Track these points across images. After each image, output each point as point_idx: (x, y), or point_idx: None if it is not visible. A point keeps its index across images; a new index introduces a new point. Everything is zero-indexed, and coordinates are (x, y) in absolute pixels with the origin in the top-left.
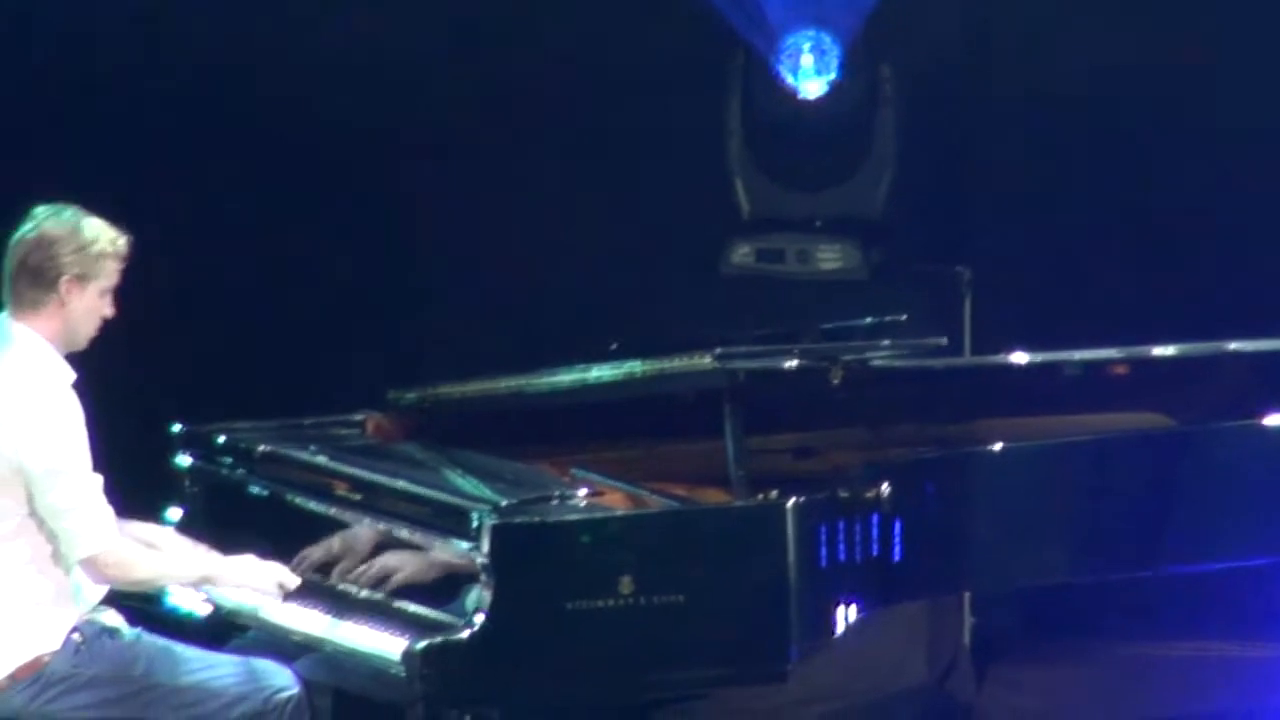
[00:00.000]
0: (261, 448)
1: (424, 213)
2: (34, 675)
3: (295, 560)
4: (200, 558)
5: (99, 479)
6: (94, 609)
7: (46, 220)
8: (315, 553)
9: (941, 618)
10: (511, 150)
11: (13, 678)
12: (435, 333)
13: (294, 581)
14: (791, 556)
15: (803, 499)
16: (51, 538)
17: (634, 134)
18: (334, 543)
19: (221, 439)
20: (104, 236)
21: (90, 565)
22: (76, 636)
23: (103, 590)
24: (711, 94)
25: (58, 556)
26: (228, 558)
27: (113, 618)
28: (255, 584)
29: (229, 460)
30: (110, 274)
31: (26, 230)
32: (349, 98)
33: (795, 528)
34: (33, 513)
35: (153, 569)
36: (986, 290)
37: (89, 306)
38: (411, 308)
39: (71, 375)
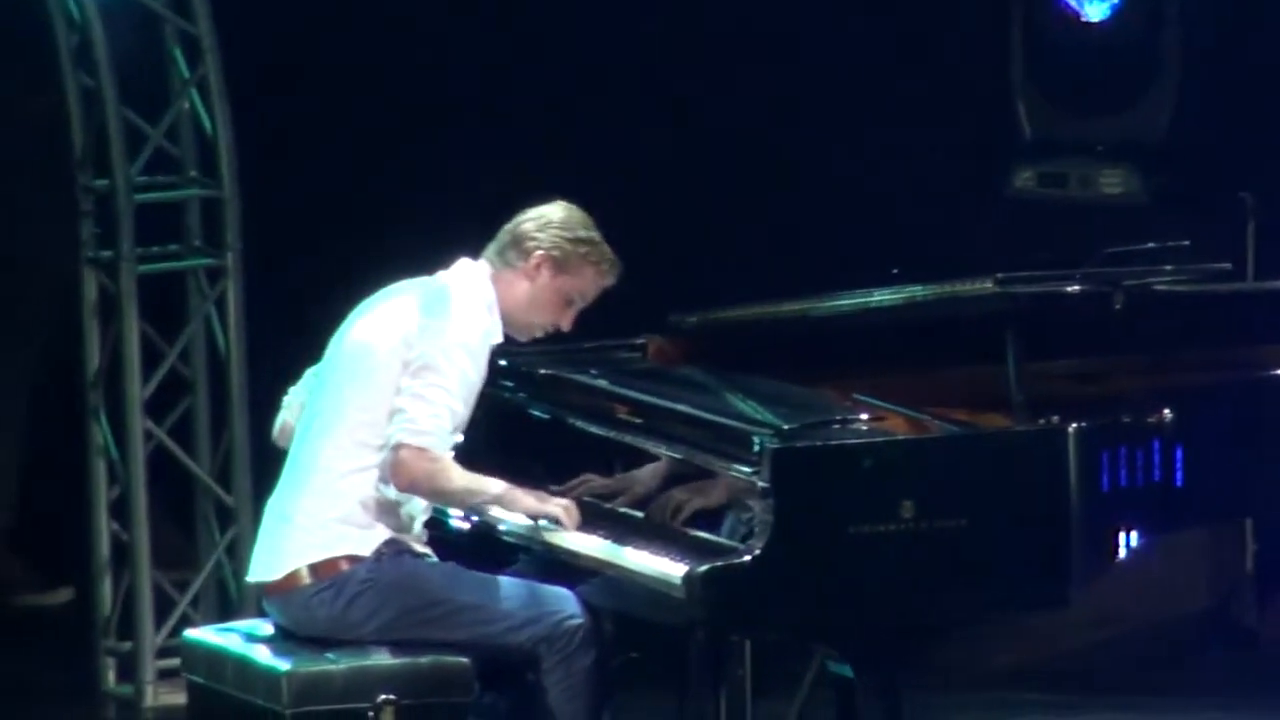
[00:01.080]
0: (542, 371)
1: (712, 138)
2: (332, 578)
3: (576, 482)
4: (494, 481)
5: (463, 413)
6: (411, 534)
7: (559, 207)
8: (597, 481)
9: (1223, 544)
10: (796, 79)
11: (314, 572)
12: (718, 256)
13: (576, 519)
14: (1073, 481)
15: (1084, 424)
16: None
17: (917, 59)
18: (617, 474)
19: (503, 362)
20: (598, 247)
21: (401, 455)
22: (384, 550)
23: (423, 519)
24: (995, 17)
25: None
26: (521, 488)
27: (424, 547)
28: (542, 513)
29: (510, 384)
30: (583, 283)
31: (541, 206)
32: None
33: (1077, 452)
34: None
35: (464, 482)
36: (1271, 215)
37: (549, 297)
38: (695, 232)
39: (498, 336)
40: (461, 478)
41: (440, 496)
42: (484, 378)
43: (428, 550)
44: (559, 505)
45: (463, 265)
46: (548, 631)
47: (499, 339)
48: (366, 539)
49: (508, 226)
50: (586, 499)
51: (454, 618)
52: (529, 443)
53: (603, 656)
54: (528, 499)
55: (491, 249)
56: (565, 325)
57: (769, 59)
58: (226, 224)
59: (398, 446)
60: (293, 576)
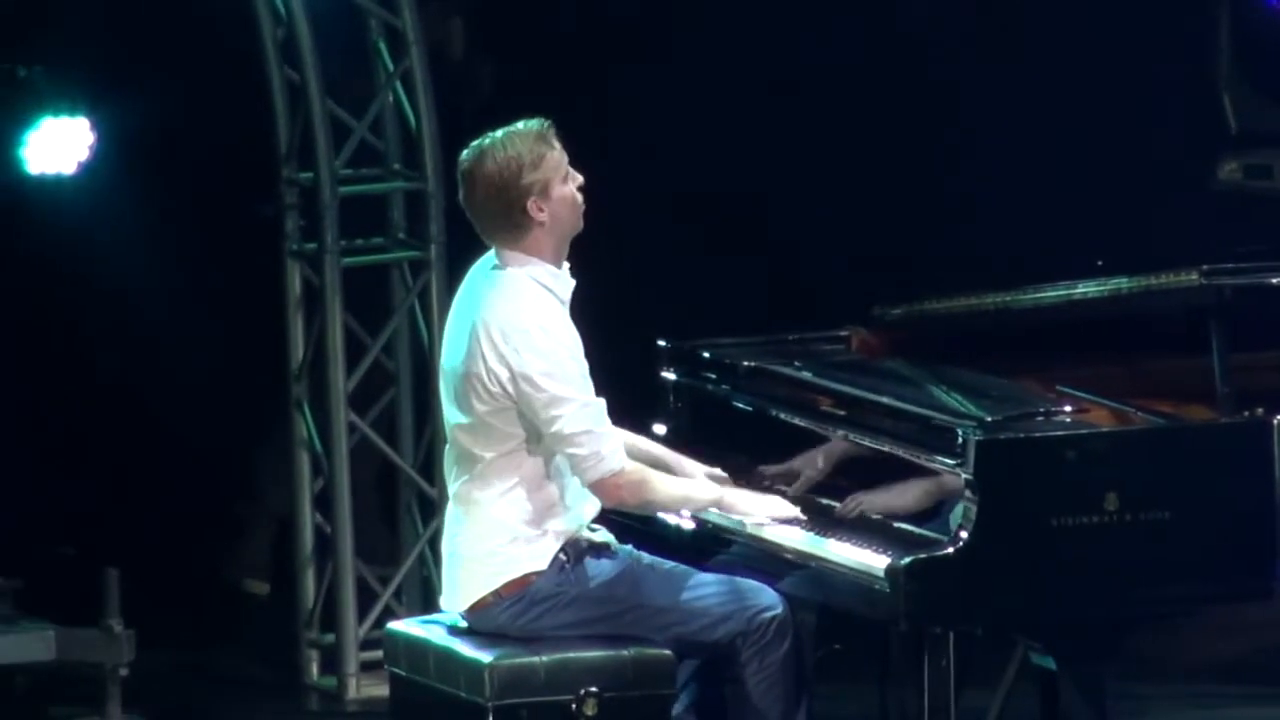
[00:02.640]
0: (746, 363)
1: (927, 131)
2: (519, 594)
3: (786, 478)
4: (708, 484)
5: (602, 403)
6: (585, 527)
7: (479, 156)
8: (809, 473)
9: None
10: (1015, 70)
11: (498, 594)
12: (923, 248)
13: (794, 513)
14: (1278, 473)
15: None
16: (548, 457)
17: (1124, 49)
18: (820, 463)
19: (707, 354)
20: (533, 136)
21: (602, 488)
22: (563, 556)
23: (595, 508)
24: (1201, 9)
25: (552, 475)
26: (734, 488)
27: (602, 535)
28: (760, 516)
29: (714, 375)
30: (560, 163)
31: (462, 169)
32: None
33: None
34: (529, 436)
35: (668, 492)
36: None
37: (566, 207)
38: (902, 225)
39: (563, 307)
40: (667, 485)
41: (650, 507)
42: (577, 339)
43: (609, 539)
44: (779, 506)
45: (493, 259)
46: (743, 626)
47: (568, 281)
48: (540, 550)
49: (475, 204)
50: (807, 496)
51: (648, 621)
52: (731, 434)
53: (799, 647)
54: (748, 501)
55: (497, 231)
56: (580, 185)
57: (989, 46)
58: (430, 216)
59: (595, 484)
60: (480, 602)
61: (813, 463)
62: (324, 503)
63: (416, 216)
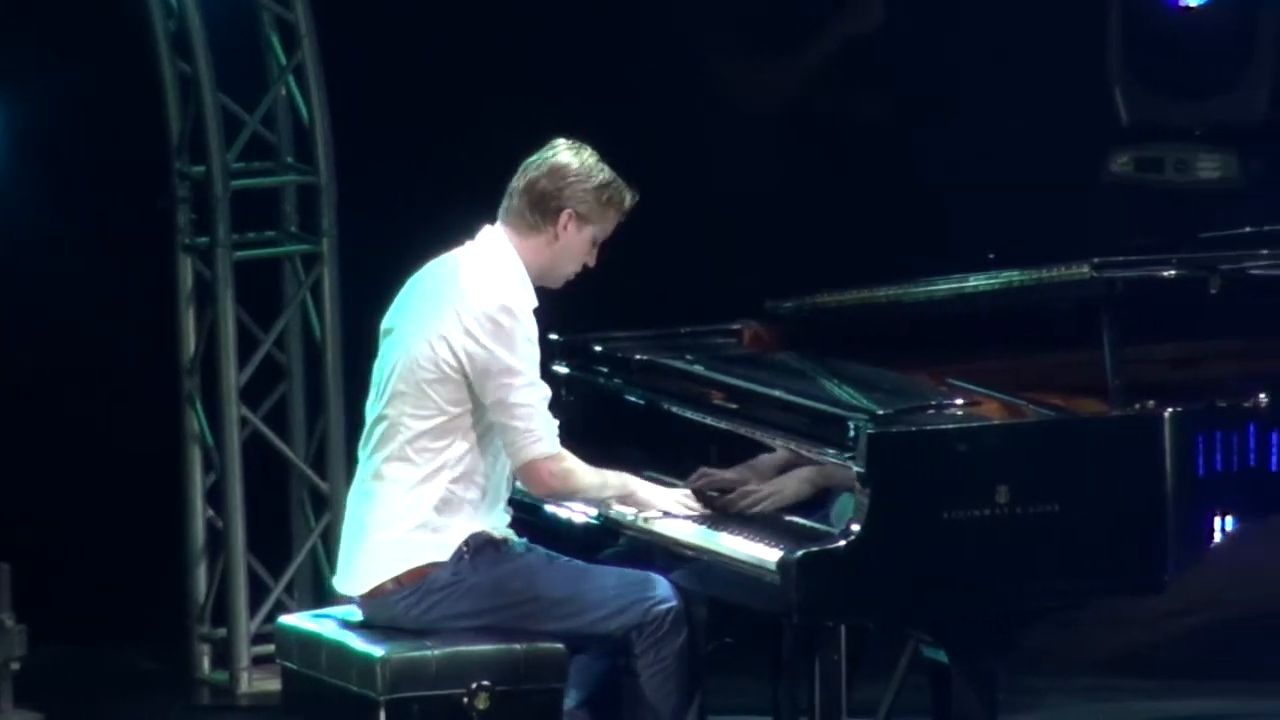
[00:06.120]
0: (638, 357)
1: (812, 127)
2: (417, 584)
3: (696, 475)
4: (619, 476)
5: (549, 391)
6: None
7: (565, 152)
8: (717, 474)
9: None
10: (900, 66)
11: (398, 581)
12: (813, 242)
13: (698, 507)
14: (1168, 466)
15: (1180, 408)
16: (476, 450)
17: (1013, 42)
18: (712, 458)
19: (598, 348)
20: (614, 186)
21: (534, 469)
22: (464, 547)
23: (508, 516)
24: (1092, 2)
25: (475, 471)
26: (640, 479)
27: (502, 529)
28: (665, 506)
29: (605, 369)
30: (608, 224)
31: (544, 155)
32: None
33: (1172, 437)
34: (457, 418)
35: (591, 480)
36: None
37: (578, 248)
38: (792, 218)
39: (534, 301)
40: (590, 475)
41: (574, 496)
42: (536, 332)
43: (509, 533)
44: (683, 499)
45: (488, 238)
46: (638, 619)
47: (534, 299)
48: (445, 542)
49: (520, 185)
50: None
51: (542, 614)
52: (625, 429)
53: (694, 640)
54: (653, 493)
55: (511, 213)
56: (591, 263)
57: (879, 45)
58: (322, 210)
59: (527, 464)
60: (378, 589)
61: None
62: (215, 497)
63: (309, 210)
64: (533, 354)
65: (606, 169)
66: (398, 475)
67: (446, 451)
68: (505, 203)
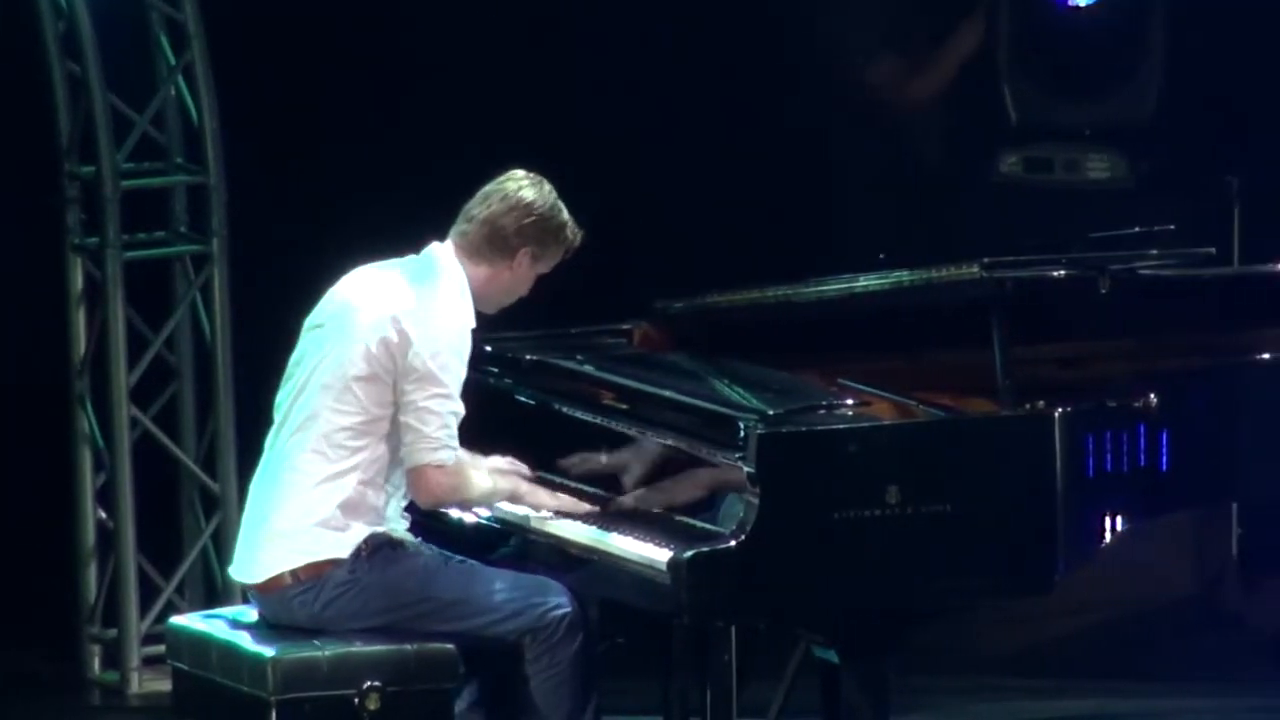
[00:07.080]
0: (529, 357)
1: (697, 121)
2: (314, 580)
3: (567, 467)
4: (504, 478)
5: (463, 410)
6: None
7: (528, 189)
8: (588, 464)
9: (1208, 528)
10: (782, 62)
11: (295, 575)
12: (703, 242)
13: (585, 508)
14: (1059, 466)
15: (1070, 408)
16: (389, 459)
17: (902, 43)
18: (603, 458)
19: (489, 348)
20: (570, 228)
21: (424, 475)
22: (362, 546)
23: (405, 523)
24: (981, 1)
25: (384, 479)
26: (527, 482)
27: (400, 531)
28: (555, 506)
29: (496, 369)
30: (555, 259)
31: (507, 188)
32: None
33: (1062, 437)
34: (378, 420)
35: (480, 490)
36: (1255, 199)
37: (525, 282)
38: (680, 218)
39: (474, 322)
40: (479, 483)
41: (463, 505)
42: (469, 355)
43: (407, 536)
44: (571, 501)
45: (440, 255)
46: (532, 623)
47: (474, 321)
48: (345, 540)
49: (479, 213)
50: (589, 489)
51: (436, 615)
52: (515, 428)
53: (588, 644)
54: (542, 495)
55: (466, 237)
56: (525, 294)
57: (755, 42)
58: (212, 210)
59: (420, 468)
60: (275, 580)
61: (595, 455)
62: (105, 497)
63: (199, 210)
64: (459, 373)
65: (561, 205)
66: (308, 468)
67: (361, 453)
68: (461, 225)
